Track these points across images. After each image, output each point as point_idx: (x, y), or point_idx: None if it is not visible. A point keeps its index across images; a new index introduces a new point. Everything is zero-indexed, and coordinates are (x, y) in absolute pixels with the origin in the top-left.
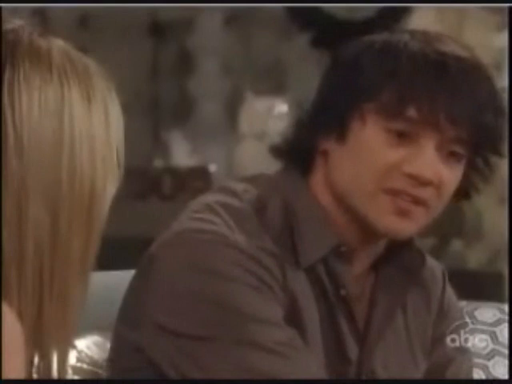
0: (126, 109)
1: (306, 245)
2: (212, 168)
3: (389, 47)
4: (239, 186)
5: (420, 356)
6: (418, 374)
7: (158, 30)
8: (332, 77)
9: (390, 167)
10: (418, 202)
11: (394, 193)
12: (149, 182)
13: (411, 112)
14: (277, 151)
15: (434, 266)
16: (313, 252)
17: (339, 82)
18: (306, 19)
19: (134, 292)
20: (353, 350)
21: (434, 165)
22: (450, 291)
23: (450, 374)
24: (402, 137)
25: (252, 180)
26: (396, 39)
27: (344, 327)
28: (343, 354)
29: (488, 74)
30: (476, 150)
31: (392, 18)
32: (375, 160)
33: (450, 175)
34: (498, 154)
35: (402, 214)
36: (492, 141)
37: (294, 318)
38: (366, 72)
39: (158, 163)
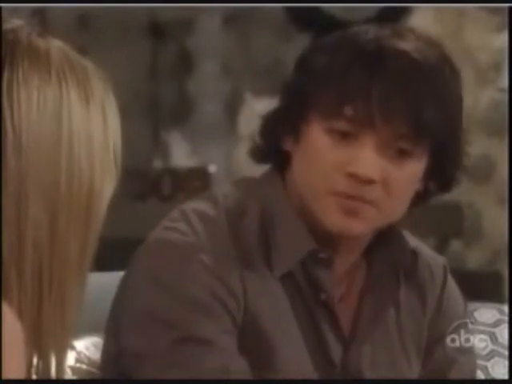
0: (126, 109)
1: (281, 252)
2: (211, 169)
3: (334, 45)
4: (222, 192)
5: (414, 356)
6: (413, 375)
7: (158, 30)
8: (290, 77)
9: (333, 168)
10: (365, 202)
11: (339, 194)
12: (148, 183)
13: (348, 111)
14: (251, 154)
15: (433, 264)
16: (288, 258)
17: (293, 82)
18: (305, 20)
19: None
20: (336, 353)
21: (373, 163)
22: (451, 288)
23: (452, 376)
24: (344, 136)
25: (236, 184)
26: (349, 36)
27: (326, 331)
28: (327, 358)
29: (440, 69)
30: (433, 145)
31: (391, 18)
32: (320, 161)
33: (400, 173)
34: (454, 148)
35: (349, 212)
36: (443, 135)
37: (260, 330)
38: (310, 72)
39: (158, 164)
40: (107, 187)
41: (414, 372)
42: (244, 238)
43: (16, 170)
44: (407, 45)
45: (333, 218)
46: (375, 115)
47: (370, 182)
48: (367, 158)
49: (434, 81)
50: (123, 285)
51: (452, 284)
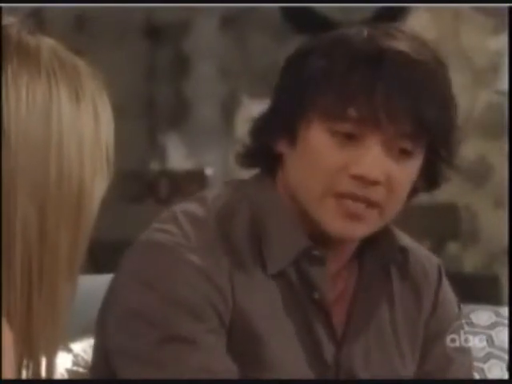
0: (123, 111)
1: (273, 251)
2: (208, 171)
3: (330, 47)
4: (213, 193)
5: (408, 354)
6: (407, 373)
7: (154, 32)
8: (282, 78)
9: (336, 170)
10: (369, 203)
11: (343, 196)
12: (145, 186)
13: (351, 112)
14: (239, 158)
15: (427, 262)
16: (281, 257)
17: (287, 84)
18: (301, 22)
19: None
20: (329, 353)
21: (379, 164)
22: (446, 288)
23: (450, 376)
24: (348, 138)
25: (227, 185)
26: (343, 37)
27: (319, 330)
28: (320, 358)
29: (435, 69)
30: (428, 144)
31: (387, 20)
32: (322, 163)
33: (402, 173)
34: (448, 147)
35: (353, 217)
36: (440, 134)
37: (250, 329)
38: (307, 74)
39: (154, 166)
40: (98, 186)
41: (409, 371)
42: (234, 238)
43: (5, 167)
44: (404, 45)
45: (335, 221)
46: (380, 115)
47: (375, 182)
48: (373, 159)
49: (431, 79)
50: (111, 285)
51: (446, 284)
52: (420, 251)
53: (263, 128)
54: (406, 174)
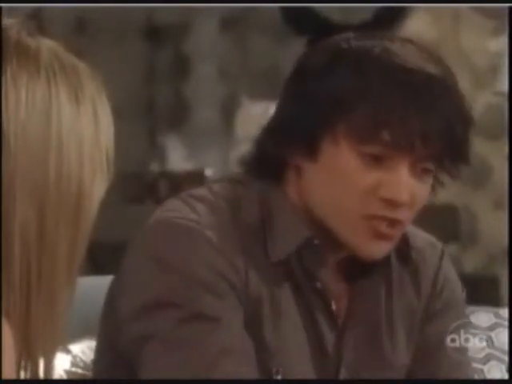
0: (122, 113)
1: (276, 239)
2: (208, 172)
3: (361, 60)
4: (216, 185)
5: (402, 343)
6: (399, 362)
7: (154, 34)
8: (300, 85)
9: (366, 192)
10: (394, 223)
11: (372, 218)
12: (145, 186)
13: (385, 135)
14: (244, 165)
15: (428, 248)
16: (283, 246)
17: (307, 92)
18: (301, 23)
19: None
20: (330, 342)
21: (407, 186)
22: (448, 269)
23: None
24: (377, 160)
25: (230, 179)
26: (367, 48)
27: (321, 320)
28: (321, 346)
29: (454, 84)
30: (445, 160)
31: (388, 21)
32: (352, 185)
33: (423, 191)
34: (465, 161)
35: (383, 237)
36: (461, 151)
37: (257, 315)
38: (337, 86)
39: (154, 167)
40: (98, 187)
41: (401, 360)
42: (243, 224)
43: (4, 168)
44: (430, 66)
45: (367, 243)
46: (415, 139)
47: (404, 205)
48: (403, 183)
49: (456, 95)
50: (122, 269)
51: (449, 268)
52: (421, 236)
53: (277, 138)
54: (425, 191)
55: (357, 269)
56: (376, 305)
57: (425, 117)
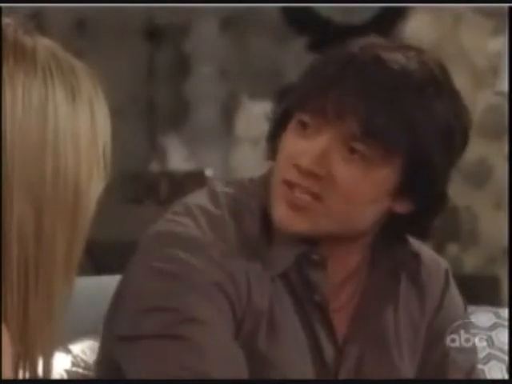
0: (123, 113)
1: (275, 253)
2: (208, 172)
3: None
4: (223, 190)
5: (408, 357)
6: (406, 375)
7: (155, 34)
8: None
9: (287, 158)
10: (307, 193)
11: (287, 183)
12: (145, 187)
13: (311, 104)
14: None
15: (434, 266)
16: (282, 259)
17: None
18: (302, 23)
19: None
20: (329, 355)
21: (320, 156)
22: (453, 292)
23: (451, 375)
24: (305, 129)
25: (235, 184)
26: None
27: (320, 332)
28: (321, 358)
29: (422, 87)
30: (398, 158)
31: (388, 21)
32: (282, 153)
33: (348, 171)
34: (428, 173)
35: (295, 207)
36: (412, 153)
37: (258, 330)
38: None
39: (155, 167)
40: (95, 186)
41: (408, 373)
42: (246, 236)
43: (1, 167)
44: (394, 56)
45: (279, 210)
46: (328, 109)
47: (310, 173)
48: (312, 150)
49: (402, 92)
50: (123, 277)
51: (454, 288)
52: (428, 254)
53: (271, 126)
54: (352, 172)
55: (364, 284)
56: (382, 317)
57: (344, 92)
